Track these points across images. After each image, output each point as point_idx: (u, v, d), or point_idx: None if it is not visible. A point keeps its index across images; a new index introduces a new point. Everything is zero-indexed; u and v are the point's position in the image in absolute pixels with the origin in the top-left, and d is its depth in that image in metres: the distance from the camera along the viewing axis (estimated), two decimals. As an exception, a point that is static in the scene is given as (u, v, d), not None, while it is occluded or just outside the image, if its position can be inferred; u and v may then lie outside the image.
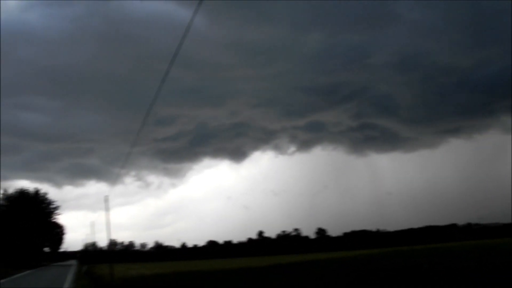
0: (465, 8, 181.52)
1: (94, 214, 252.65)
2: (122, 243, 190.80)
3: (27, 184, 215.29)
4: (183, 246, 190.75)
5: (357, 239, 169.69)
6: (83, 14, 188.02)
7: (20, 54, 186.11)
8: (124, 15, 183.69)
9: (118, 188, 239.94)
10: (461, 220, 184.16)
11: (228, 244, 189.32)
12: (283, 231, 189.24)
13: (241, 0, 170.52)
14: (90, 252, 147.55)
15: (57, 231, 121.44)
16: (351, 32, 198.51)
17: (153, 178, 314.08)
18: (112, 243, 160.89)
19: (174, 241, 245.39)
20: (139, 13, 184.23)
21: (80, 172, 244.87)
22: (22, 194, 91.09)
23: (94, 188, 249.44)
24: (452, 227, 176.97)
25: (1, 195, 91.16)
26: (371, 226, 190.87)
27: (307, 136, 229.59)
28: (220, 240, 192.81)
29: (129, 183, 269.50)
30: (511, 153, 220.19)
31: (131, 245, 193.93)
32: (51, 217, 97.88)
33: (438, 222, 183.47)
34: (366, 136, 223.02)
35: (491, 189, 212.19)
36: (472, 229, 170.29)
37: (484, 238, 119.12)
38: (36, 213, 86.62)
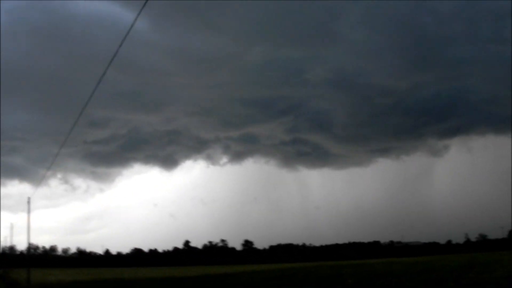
0: (405, 33, 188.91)
1: (15, 215, 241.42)
2: (43, 247, 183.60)
3: None
4: (107, 253, 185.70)
5: (283, 252, 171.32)
6: (22, 7, 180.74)
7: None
8: (67, 13, 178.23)
9: (43, 190, 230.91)
10: (384, 238, 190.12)
11: (153, 252, 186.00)
12: (210, 242, 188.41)
13: (188, 7, 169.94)
14: (7, 256, 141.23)
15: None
16: (293, 47, 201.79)
17: (80, 182, 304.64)
18: (32, 247, 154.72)
19: (97, 248, 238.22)
20: (83, 12, 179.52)
21: (2, 171, 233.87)
22: None
23: (16, 188, 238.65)
24: (376, 244, 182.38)
25: None
26: (298, 240, 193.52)
27: (240, 148, 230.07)
28: (146, 248, 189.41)
29: (55, 185, 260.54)
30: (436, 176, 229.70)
31: (52, 249, 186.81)
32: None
33: (363, 239, 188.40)
34: (298, 151, 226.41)
35: (414, 209, 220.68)
36: (394, 247, 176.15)
37: (405, 256, 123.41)
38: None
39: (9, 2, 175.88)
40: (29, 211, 58.51)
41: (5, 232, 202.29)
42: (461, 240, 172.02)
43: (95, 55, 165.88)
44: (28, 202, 60.25)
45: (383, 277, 29.10)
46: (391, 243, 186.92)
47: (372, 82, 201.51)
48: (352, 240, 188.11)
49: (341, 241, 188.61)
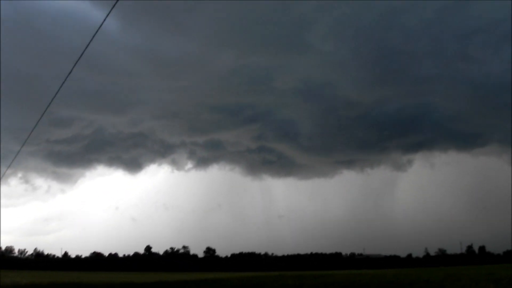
0: (372, 47, 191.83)
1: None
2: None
3: None
4: (65, 256, 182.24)
5: (245, 261, 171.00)
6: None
7: None
8: (35, 9, 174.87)
9: (2, 189, 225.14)
10: (346, 250, 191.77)
11: (113, 257, 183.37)
12: (172, 248, 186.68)
13: (159, 9, 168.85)
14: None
15: None
16: (262, 55, 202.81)
17: (42, 182, 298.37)
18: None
19: (56, 250, 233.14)
20: (51, 8, 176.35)
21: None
22: None
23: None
24: (337, 256, 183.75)
25: None
26: (260, 249, 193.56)
27: (206, 154, 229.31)
28: (106, 252, 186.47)
29: (15, 184, 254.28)
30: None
31: (9, 250, 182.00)
32: None
33: (325, 249, 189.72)
34: (263, 159, 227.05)
35: (377, 221, 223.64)
36: (356, 259, 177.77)
37: (366, 268, 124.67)
38: None
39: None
40: (-14, 210, 56.79)
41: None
42: (421, 254, 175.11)
43: (62, 52, 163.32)
44: (-14, 201, 58.50)
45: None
46: (353, 255, 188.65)
47: (338, 93, 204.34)
48: (314, 250, 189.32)
49: (303, 251, 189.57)
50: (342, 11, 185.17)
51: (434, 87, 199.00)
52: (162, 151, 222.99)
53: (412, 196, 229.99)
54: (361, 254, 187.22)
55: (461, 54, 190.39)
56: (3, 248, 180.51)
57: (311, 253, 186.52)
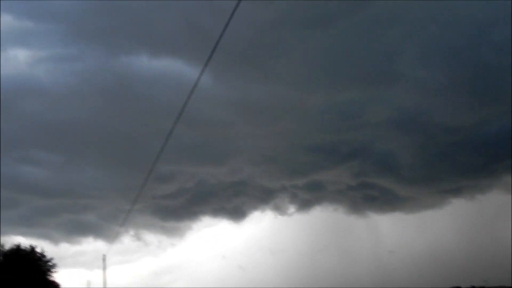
0: (464, 67, 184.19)
1: (91, 272, 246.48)
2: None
3: (23, 240, 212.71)
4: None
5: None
6: (90, 69, 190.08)
7: (24, 108, 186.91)
8: (132, 72, 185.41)
9: (116, 246, 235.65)
10: (464, 283, 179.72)
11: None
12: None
13: (248, 60, 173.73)
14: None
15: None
16: (352, 90, 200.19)
17: (152, 237, 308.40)
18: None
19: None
20: (147, 70, 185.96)
21: (77, 229, 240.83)
22: (18, 250, 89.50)
23: (91, 245, 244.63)
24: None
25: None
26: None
27: (307, 196, 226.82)
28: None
29: (128, 242, 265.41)
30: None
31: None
32: (47, 274, 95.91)
33: (441, 284, 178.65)
34: (365, 195, 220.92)
35: (495, 250, 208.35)
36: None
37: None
38: (31, 270, 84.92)
39: (82, 66, 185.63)
40: (104, 268, 60.15)
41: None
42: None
43: (159, 111, 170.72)
44: (104, 259, 61.98)
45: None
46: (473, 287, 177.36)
47: (436, 120, 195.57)
48: (430, 286, 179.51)
49: (418, 286, 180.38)
50: (428, 35, 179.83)
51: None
52: (263, 196, 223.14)
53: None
54: (482, 287, 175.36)
55: None
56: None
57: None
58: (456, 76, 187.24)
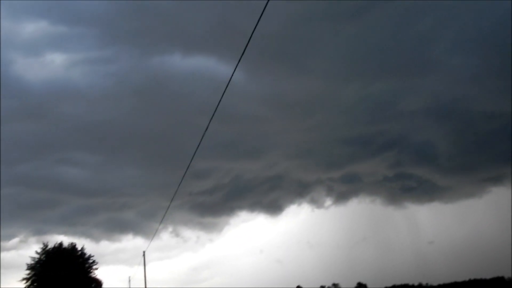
0: (500, 52, 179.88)
1: (131, 269, 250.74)
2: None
3: (65, 239, 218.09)
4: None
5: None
6: (125, 70, 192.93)
7: (63, 110, 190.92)
8: (166, 72, 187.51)
9: (155, 242, 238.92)
10: (508, 273, 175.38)
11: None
12: (322, 286, 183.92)
13: (280, 55, 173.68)
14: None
15: (94, 286, 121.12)
16: (386, 80, 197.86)
17: (190, 233, 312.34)
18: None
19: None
20: (180, 69, 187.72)
21: (117, 227, 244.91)
22: (59, 248, 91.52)
23: (130, 242, 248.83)
24: (499, 280, 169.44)
25: (40, 250, 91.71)
26: (413, 280, 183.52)
27: (344, 188, 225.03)
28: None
29: (166, 238, 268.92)
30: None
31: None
32: (89, 272, 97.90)
33: (484, 275, 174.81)
34: (403, 186, 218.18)
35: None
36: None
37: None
38: (73, 268, 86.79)
39: (116, 67, 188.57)
40: (144, 264, 61.10)
41: (123, 285, 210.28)
42: None
43: (194, 108, 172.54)
44: (144, 256, 62.94)
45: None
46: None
47: (473, 107, 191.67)
48: (472, 277, 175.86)
49: (460, 278, 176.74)
50: (462, 21, 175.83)
51: None
52: (300, 190, 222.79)
53: None
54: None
55: None
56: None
57: (469, 280, 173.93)
58: (492, 62, 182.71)
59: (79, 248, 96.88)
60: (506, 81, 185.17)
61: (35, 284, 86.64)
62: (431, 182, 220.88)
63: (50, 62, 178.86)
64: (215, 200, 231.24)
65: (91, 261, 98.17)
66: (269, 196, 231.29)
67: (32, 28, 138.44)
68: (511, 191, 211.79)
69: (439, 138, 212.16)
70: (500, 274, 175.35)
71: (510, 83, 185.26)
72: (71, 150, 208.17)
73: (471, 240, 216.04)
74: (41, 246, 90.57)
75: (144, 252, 62.78)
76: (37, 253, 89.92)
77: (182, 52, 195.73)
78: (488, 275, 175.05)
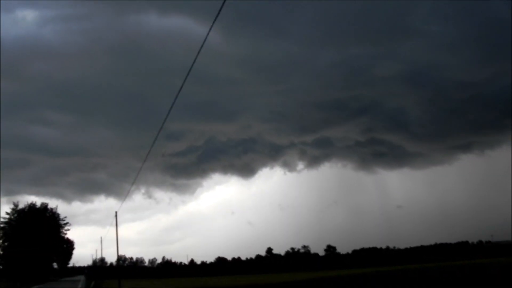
0: (477, 22, 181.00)
1: (103, 229, 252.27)
2: (130, 258, 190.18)
3: (36, 199, 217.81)
4: (192, 263, 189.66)
5: (367, 256, 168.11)
6: (99, 28, 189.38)
7: (35, 69, 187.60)
8: (141, 30, 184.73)
9: (127, 204, 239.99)
10: (472, 238, 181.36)
11: (236, 260, 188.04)
12: (292, 248, 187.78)
13: (257, 17, 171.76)
14: (98, 268, 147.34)
15: (66, 247, 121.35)
16: (363, 45, 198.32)
17: (162, 194, 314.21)
18: (121, 259, 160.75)
19: (182, 257, 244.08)
20: (156, 28, 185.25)
21: (89, 187, 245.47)
22: (31, 208, 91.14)
23: (103, 203, 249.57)
24: (464, 244, 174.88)
25: (10, 210, 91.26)
26: (381, 243, 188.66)
27: (316, 152, 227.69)
28: (229, 256, 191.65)
29: (139, 199, 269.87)
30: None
31: (139, 261, 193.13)
32: (60, 232, 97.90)
33: (449, 239, 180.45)
34: (374, 152, 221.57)
35: (503, 206, 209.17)
36: (484, 247, 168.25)
37: (496, 256, 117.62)
38: (45, 228, 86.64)
39: (90, 26, 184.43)
40: (116, 225, 61.00)
41: (95, 246, 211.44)
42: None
43: (168, 69, 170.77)
44: (116, 217, 62.77)
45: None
46: (480, 243, 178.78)
47: (447, 75, 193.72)
48: (438, 241, 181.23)
49: (426, 242, 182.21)
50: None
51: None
52: (273, 153, 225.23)
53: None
54: (489, 242, 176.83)
55: None
56: (135, 258, 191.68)
57: (435, 244, 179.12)
58: (468, 31, 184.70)
59: (51, 209, 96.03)
60: (480, 51, 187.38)
61: (6, 243, 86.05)
62: (402, 149, 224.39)
63: (22, 19, 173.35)
64: (188, 162, 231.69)
65: (63, 222, 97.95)
66: (242, 159, 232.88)
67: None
68: (480, 159, 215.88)
69: (412, 105, 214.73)
70: (464, 239, 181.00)
71: (484, 52, 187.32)
72: (43, 109, 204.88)
73: (438, 205, 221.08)
74: (12, 206, 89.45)
75: (116, 212, 62.72)
76: (7, 213, 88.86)
77: (158, 11, 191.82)
78: (453, 239, 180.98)
